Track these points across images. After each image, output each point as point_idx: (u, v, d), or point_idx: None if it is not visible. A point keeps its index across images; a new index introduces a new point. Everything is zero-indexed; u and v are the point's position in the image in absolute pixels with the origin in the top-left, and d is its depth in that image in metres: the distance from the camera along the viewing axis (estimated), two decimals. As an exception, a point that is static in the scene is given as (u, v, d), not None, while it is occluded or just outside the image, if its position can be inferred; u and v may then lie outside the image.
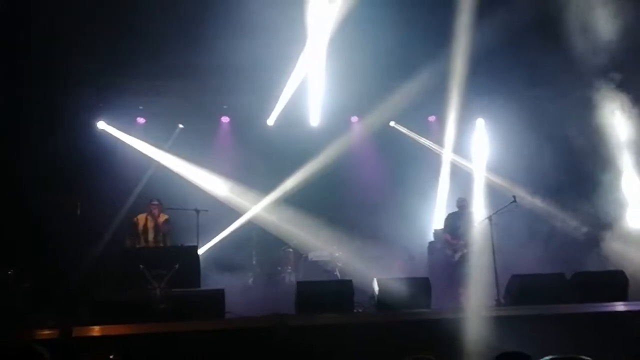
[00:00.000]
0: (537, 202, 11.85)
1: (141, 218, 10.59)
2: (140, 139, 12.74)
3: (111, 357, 6.01)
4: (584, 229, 10.99)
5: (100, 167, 11.96)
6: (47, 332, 7.11)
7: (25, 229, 10.77)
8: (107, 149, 12.38)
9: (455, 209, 10.97)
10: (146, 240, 10.46)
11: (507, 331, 6.90)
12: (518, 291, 8.97)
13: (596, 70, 10.10)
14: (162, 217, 10.63)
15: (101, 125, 12.57)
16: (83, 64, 10.75)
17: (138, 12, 10.41)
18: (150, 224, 10.54)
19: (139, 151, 12.69)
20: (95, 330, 7.34)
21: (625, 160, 10.77)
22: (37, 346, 3.79)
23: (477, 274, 9.28)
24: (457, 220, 10.74)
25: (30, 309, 8.78)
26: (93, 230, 11.58)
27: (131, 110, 12.85)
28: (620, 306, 8.42)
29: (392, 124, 13.51)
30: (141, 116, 12.99)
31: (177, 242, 10.47)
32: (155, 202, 10.64)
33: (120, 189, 12.15)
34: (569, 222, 11.30)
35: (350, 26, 10.86)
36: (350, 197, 12.87)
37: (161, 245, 10.46)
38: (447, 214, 11.34)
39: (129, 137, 12.69)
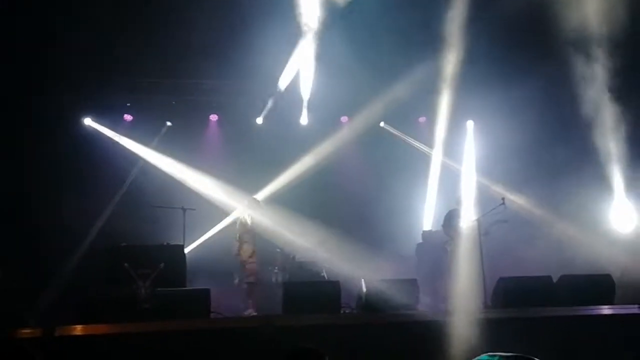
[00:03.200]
0: (525, 204, 11.84)
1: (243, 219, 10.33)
2: (127, 137, 12.63)
3: None
4: (572, 232, 10.95)
5: (86, 164, 11.82)
6: (29, 331, 7.06)
7: (12, 228, 10.63)
8: (93, 146, 12.19)
9: (452, 207, 10.60)
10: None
11: (493, 334, 6.92)
12: (505, 294, 8.98)
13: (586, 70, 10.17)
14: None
15: (88, 122, 12.47)
16: (70, 61, 10.62)
17: (127, 9, 10.41)
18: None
19: (126, 148, 12.58)
20: (78, 330, 7.29)
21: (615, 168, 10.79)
22: (31, 348, 3.66)
23: (465, 276, 9.24)
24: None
25: (16, 309, 8.68)
26: (78, 229, 11.43)
27: (118, 107, 12.73)
28: (606, 310, 8.49)
29: (382, 124, 13.51)
30: (128, 113, 12.87)
31: (164, 241, 10.37)
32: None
33: (106, 186, 12.07)
34: (557, 225, 11.26)
35: (341, 26, 10.85)
36: (338, 197, 12.89)
37: None
38: (450, 211, 10.62)
39: (116, 135, 12.58)
